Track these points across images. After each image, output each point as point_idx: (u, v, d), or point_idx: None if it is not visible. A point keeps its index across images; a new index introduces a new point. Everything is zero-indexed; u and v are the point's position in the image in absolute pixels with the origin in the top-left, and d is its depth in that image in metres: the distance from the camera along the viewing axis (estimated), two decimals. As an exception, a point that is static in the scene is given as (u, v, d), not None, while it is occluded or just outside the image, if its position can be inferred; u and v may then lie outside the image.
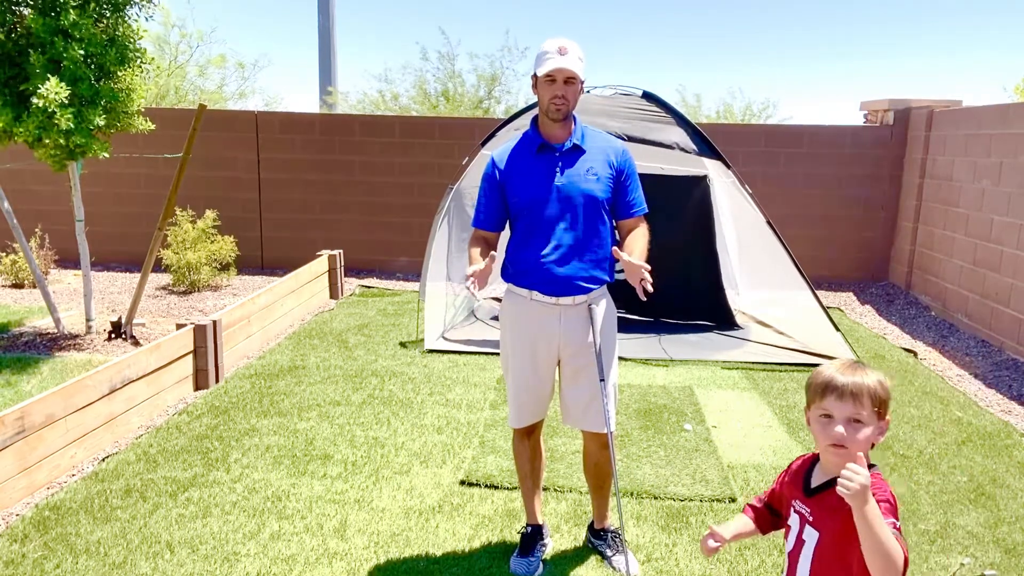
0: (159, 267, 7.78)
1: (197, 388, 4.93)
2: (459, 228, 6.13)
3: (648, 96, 5.79)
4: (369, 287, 8.09)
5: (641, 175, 2.97)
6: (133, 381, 4.25)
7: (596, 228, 2.81)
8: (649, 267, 2.64)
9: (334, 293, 7.57)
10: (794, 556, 1.79)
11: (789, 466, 1.92)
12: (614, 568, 2.99)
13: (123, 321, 5.91)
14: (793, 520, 1.81)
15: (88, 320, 5.94)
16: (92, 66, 5.28)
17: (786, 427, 4.46)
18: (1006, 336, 6.05)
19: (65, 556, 3.02)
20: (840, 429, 1.65)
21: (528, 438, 3.01)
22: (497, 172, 2.86)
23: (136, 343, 5.80)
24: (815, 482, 1.78)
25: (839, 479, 1.52)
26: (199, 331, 4.89)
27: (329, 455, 3.97)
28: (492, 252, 2.70)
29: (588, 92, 5.58)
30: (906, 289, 8.13)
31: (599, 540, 3.11)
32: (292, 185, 8.86)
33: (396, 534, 3.22)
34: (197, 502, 3.46)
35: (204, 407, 4.58)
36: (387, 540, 3.17)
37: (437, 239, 6.11)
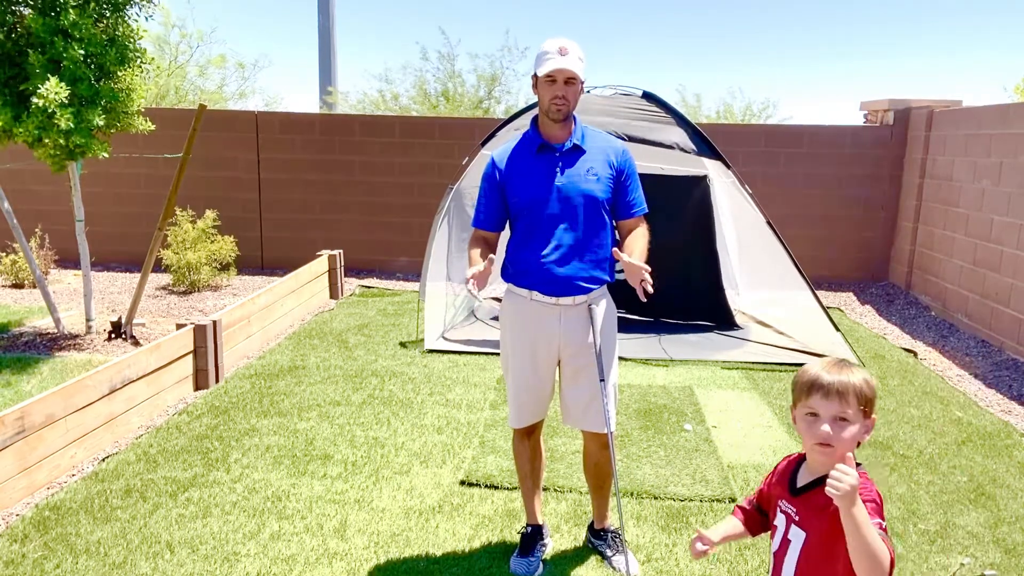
0: (159, 267, 7.78)
1: (197, 388, 4.93)
2: (459, 228, 6.13)
3: (648, 96, 5.79)
4: (369, 287, 8.08)
5: (641, 175, 2.97)
6: (133, 381, 4.26)
7: (596, 228, 2.81)
8: (649, 268, 2.63)
9: (334, 293, 7.57)
10: (780, 556, 1.79)
11: (776, 466, 1.92)
12: (614, 568, 2.99)
13: (123, 321, 5.91)
14: (779, 520, 1.81)
15: (88, 320, 5.94)
16: (92, 66, 5.28)
17: (786, 427, 4.46)
18: (1006, 336, 6.05)
19: (65, 556, 3.02)
20: (826, 428, 1.65)
21: (528, 438, 3.01)
22: (497, 172, 2.86)
23: (136, 343, 5.80)
24: (801, 482, 1.78)
25: (828, 480, 1.52)
26: (199, 331, 4.89)
27: (329, 455, 3.97)
28: (491, 255, 2.70)
29: (588, 92, 5.57)
30: (906, 289, 8.13)
31: (599, 540, 3.11)
32: (292, 185, 8.86)
33: (396, 534, 3.22)
34: (197, 502, 3.46)
35: (204, 407, 4.58)
36: (387, 540, 3.17)
37: (437, 239, 6.11)
